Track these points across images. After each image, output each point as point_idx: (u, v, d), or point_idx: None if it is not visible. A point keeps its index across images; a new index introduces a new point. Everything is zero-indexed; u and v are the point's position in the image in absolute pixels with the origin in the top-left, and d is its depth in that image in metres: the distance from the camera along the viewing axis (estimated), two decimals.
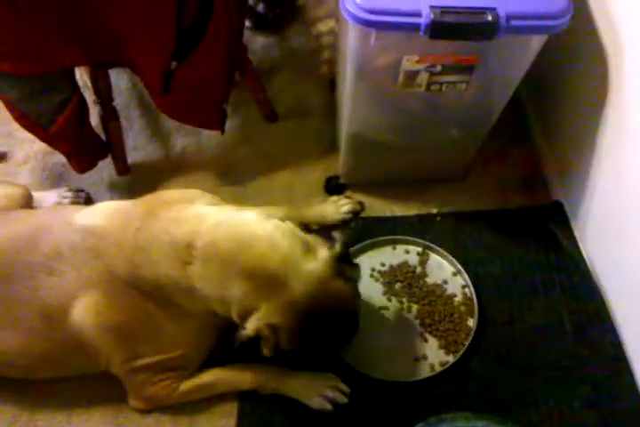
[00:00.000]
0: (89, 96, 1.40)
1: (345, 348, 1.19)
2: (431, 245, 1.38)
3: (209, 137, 1.60)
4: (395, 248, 1.40)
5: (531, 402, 1.20)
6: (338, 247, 1.03)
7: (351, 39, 1.07)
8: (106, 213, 1.10)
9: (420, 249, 1.39)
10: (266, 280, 0.98)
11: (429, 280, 1.34)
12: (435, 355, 1.25)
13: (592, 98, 1.24)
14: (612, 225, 1.27)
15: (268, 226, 1.02)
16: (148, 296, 1.05)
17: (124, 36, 1.17)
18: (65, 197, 1.45)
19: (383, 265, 1.37)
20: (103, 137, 1.46)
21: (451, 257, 1.35)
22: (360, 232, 1.42)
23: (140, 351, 1.09)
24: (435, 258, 1.38)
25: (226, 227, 1.02)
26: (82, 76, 1.47)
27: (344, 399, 1.16)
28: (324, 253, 1.01)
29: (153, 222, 1.04)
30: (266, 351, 1.00)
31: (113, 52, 1.22)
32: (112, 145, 1.47)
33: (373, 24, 0.99)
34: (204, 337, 1.15)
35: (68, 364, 1.14)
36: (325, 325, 1.02)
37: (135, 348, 1.09)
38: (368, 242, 1.38)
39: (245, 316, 0.99)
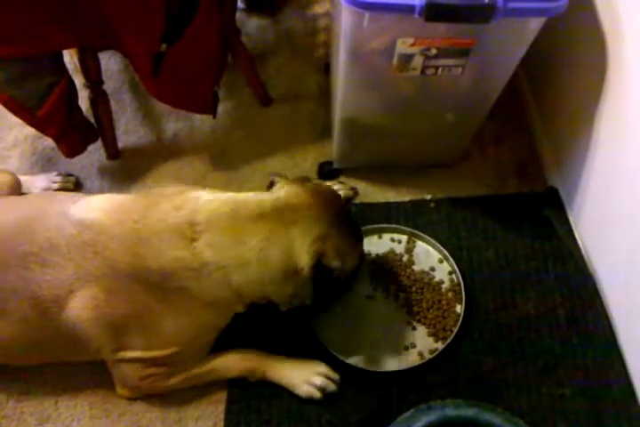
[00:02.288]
0: (79, 79, 1.38)
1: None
2: (417, 232, 1.37)
3: (201, 121, 1.58)
4: (380, 237, 1.39)
5: (522, 389, 1.20)
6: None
7: (344, 21, 1.04)
8: (102, 207, 1.08)
9: (405, 237, 1.38)
10: (277, 212, 1.02)
11: (416, 268, 1.34)
12: (424, 343, 1.24)
13: (590, 83, 1.23)
14: (607, 212, 1.27)
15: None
16: (150, 290, 1.03)
17: (112, 18, 1.15)
18: (54, 182, 1.44)
19: (369, 254, 1.35)
20: (93, 121, 1.43)
21: (437, 244, 1.35)
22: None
23: (131, 343, 1.08)
24: (421, 245, 1.37)
25: (221, 198, 1.06)
26: (72, 58, 1.44)
27: (333, 388, 1.16)
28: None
29: (151, 214, 1.04)
30: (337, 269, 1.03)
31: (101, 34, 1.19)
32: (102, 129, 1.45)
33: (367, 6, 0.97)
34: (203, 338, 1.14)
35: (57, 352, 1.14)
36: (349, 223, 1.10)
37: (127, 340, 1.08)
38: None
39: (290, 255, 1.00)
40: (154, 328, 1.07)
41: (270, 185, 1.11)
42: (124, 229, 1.03)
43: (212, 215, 1.02)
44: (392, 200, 1.45)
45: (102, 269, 1.02)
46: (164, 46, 1.22)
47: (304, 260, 1.01)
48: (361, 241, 1.16)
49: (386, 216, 1.42)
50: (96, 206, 1.09)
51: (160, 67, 1.25)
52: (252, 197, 1.05)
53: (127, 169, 1.50)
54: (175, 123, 1.58)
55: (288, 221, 1.01)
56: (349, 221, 1.12)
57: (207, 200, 1.05)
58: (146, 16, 1.14)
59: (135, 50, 1.23)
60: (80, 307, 1.03)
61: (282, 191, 1.06)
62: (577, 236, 1.39)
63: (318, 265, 1.01)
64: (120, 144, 1.51)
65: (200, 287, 1.03)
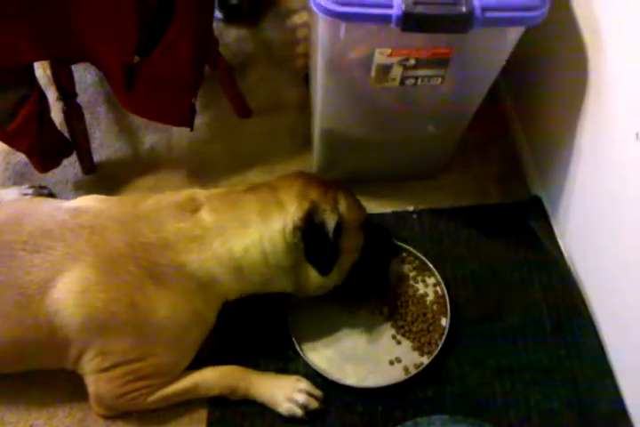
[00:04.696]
0: (52, 92, 1.35)
1: None
2: (400, 244, 1.35)
3: (179, 134, 1.55)
4: None
5: (509, 403, 1.18)
6: None
7: (321, 32, 1.03)
8: (97, 197, 1.11)
9: None
10: (268, 184, 1.13)
11: (400, 280, 1.31)
12: (409, 357, 1.22)
13: (571, 91, 1.22)
14: (591, 220, 1.25)
15: None
16: (146, 272, 1.00)
17: (82, 29, 1.12)
18: (25, 195, 1.39)
19: None
20: (67, 135, 1.40)
21: (421, 255, 1.32)
22: None
23: (115, 347, 1.02)
24: (404, 257, 1.34)
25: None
26: (44, 71, 1.41)
27: (316, 405, 1.12)
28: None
29: (149, 200, 1.08)
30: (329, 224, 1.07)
31: (72, 46, 1.16)
32: (77, 143, 1.41)
33: (342, 15, 0.95)
34: (191, 332, 1.09)
35: (34, 356, 1.07)
36: (346, 191, 1.16)
37: (112, 341, 1.02)
38: None
39: (286, 217, 1.05)
40: (145, 318, 1.01)
41: None
42: (123, 210, 1.05)
43: (211, 193, 1.11)
44: (374, 212, 1.42)
45: (97, 249, 0.99)
46: (137, 58, 1.19)
47: (293, 213, 1.05)
48: (363, 211, 1.20)
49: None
50: (90, 197, 1.11)
51: (134, 79, 1.23)
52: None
53: (103, 183, 1.46)
54: (152, 135, 1.55)
55: (278, 186, 1.11)
56: (345, 189, 1.17)
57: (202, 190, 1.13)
58: (116, 27, 1.12)
59: (108, 62, 1.21)
60: (67, 289, 0.98)
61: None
62: (561, 244, 1.38)
63: (309, 221, 1.04)
64: (96, 158, 1.48)
65: (201, 260, 1.02)
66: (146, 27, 1.16)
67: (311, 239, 1.05)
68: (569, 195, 1.32)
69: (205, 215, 1.05)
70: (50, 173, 1.41)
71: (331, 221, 1.07)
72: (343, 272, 1.14)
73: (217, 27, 1.74)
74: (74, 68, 1.32)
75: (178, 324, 1.04)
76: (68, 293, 0.98)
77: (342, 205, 1.12)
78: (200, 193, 1.11)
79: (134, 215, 1.04)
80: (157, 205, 1.07)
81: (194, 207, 1.07)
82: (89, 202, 1.10)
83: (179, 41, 1.21)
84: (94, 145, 1.48)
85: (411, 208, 1.45)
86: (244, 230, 1.05)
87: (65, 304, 0.98)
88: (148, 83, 1.24)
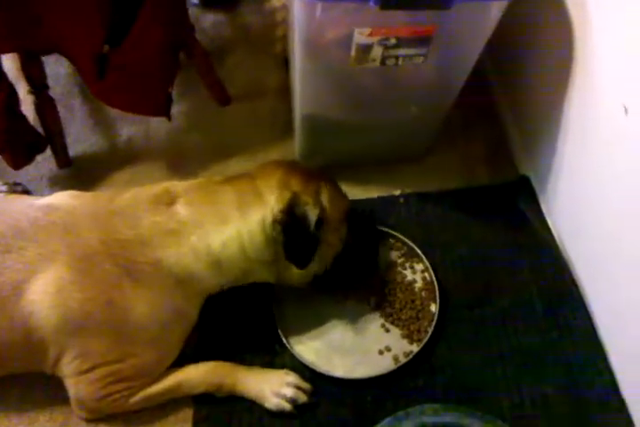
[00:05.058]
0: (23, 85, 1.30)
1: None
2: (387, 230, 1.31)
3: (157, 125, 1.51)
4: None
5: (502, 389, 1.15)
6: None
7: (297, 11, 0.99)
8: (71, 193, 1.08)
9: None
10: (247, 174, 1.09)
11: (387, 268, 1.28)
12: (398, 345, 1.19)
13: (558, 65, 1.19)
14: (580, 200, 1.23)
15: None
16: (123, 269, 0.97)
17: (50, 20, 1.08)
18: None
19: None
20: (41, 129, 1.36)
21: (408, 241, 1.29)
22: None
23: (93, 349, 0.99)
24: (391, 243, 1.32)
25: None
26: (13, 63, 1.36)
27: (304, 399, 1.10)
28: None
29: (124, 194, 1.05)
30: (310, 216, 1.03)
31: (40, 37, 1.13)
32: (51, 137, 1.37)
33: None
34: (172, 330, 1.06)
35: (11, 360, 1.03)
36: (328, 182, 1.12)
37: (89, 342, 0.99)
38: None
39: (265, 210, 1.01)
40: (123, 317, 0.98)
41: None
42: (97, 206, 1.02)
43: (188, 185, 1.06)
44: (359, 197, 1.39)
45: (72, 248, 0.96)
46: (106, 47, 1.16)
47: (272, 205, 1.02)
48: (346, 202, 1.16)
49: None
50: (65, 193, 1.08)
51: (105, 69, 1.19)
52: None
53: (80, 178, 1.42)
54: (129, 127, 1.51)
55: (258, 176, 1.07)
56: (328, 180, 1.13)
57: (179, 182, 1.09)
58: (84, 17, 1.08)
59: (77, 53, 1.17)
60: (41, 291, 0.95)
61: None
62: (550, 225, 1.36)
63: (290, 213, 1.01)
64: (71, 152, 1.43)
65: (178, 255, 0.99)
66: (115, 15, 1.12)
67: (291, 232, 1.02)
68: (556, 174, 1.29)
69: (182, 208, 1.02)
70: (24, 169, 1.36)
71: (312, 215, 1.03)
72: (324, 263, 1.11)
73: (193, 12, 1.70)
74: (46, 59, 1.28)
75: (157, 322, 1.01)
76: (43, 294, 0.95)
77: (325, 197, 1.08)
78: (177, 185, 1.07)
79: (109, 211, 1.01)
80: (133, 200, 1.03)
81: (170, 200, 1.03)
82: (62, 198, 1.06)
83: (150, 28, 1.18)
84: (69, 139, 1.44)
85: (397, 192, 1.42)
86: (221, 224, 1.01)
87: (40, 306, 0.95)
88: (120, 72, 1.21)
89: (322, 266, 1.11)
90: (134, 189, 1.07)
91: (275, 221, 1.01)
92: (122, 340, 1.00)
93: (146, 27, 1.16)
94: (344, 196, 1.17)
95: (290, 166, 1.11)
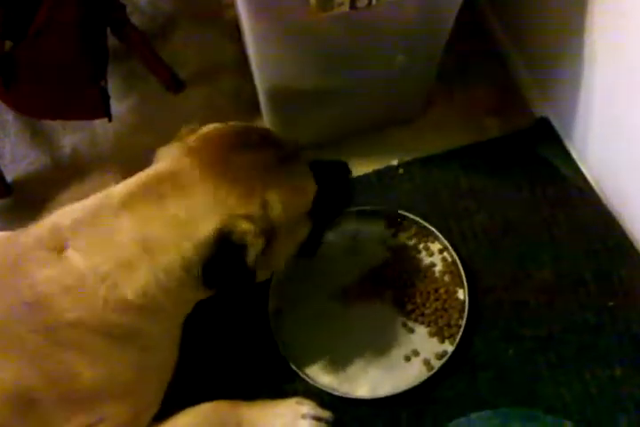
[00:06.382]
0: None
1: None
2: (389, 209, 1.14)
3: (104, 128, 1.32)
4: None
5: (560, 380, 0.99)
6: None
7: None
8: None
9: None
10: (145, 191, 0.82)
11: (399, 254, 1.10)
12: (428, 347, 1.02)
13: None
14: (622, 136, 1.05)
15: None
16: (44, 335, 0.79)
17: None
18: None
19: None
20: None
21: (417, 218, 1.12)
22: None
23: (53, 421, 0.82)
24: (397, 224, 1.14)
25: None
26: None
27: None
28: None
29: (21, 236, 0.85)
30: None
31: None
32: None
33: None
34: (145, 379, 0.89)
35: None
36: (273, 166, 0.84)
37: (45, 416, 0.81)
38: None
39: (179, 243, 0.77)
40: (70, 387, 0.81)
41: None
42: (2, 258, 0.83)
43: (75, 219, 0.81)
44: (353, 175, 1.19)
45: None
46: (8, 44, 0.99)
47: (196, 240, 0.77)
48: (309, 193, 0.88)
49: None
50: None
51: (13, 71, 1.00)
52: (116, 187, 0.86)
53: (23, 203, 1.25)
54: (72, 136, 1.32)
55: (174, 188, 0.79)
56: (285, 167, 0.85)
57: (70, 205, 0.86)
58: None
59: None
60: None
61: (160, 163, 0.88)
62: (585, 171, 1.19)
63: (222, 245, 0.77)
64: (9, 177, 1.26)
65: (94, 315, 0.78)
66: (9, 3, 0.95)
67: (217, 268, 0.80)
68: (585, 109, 1.11)
69: (74, 256, 0.79)
70: None
71: (252, 250, 0.79)
72: (282, 264, 0.92)
73: None
74: None
75: (116, 380, 0.84)
76: None
77: (276, 207, 0.81)
78: (64, 218, 0.83)
79: (12, 263, 0.81)
80: (24, 247, 0.83)
81: (58, 245, 0.80)
82: None
83: (57, 14, 1.00)
84: (4, 160, 1.27)
85: (395, 162, 1.25)
86: (128, 272, 0.79)
87: None
88: (32, 71, 1.03)
89: (280, 267, 0.92)
90: (28, 230, 0.86)
91: (201, 261, 0.79)
92: (82, 407, 0.83)
93: (55, 6, 0.98)
94: (307, 185, 0.89)
95: (223, 161, 0.82)
